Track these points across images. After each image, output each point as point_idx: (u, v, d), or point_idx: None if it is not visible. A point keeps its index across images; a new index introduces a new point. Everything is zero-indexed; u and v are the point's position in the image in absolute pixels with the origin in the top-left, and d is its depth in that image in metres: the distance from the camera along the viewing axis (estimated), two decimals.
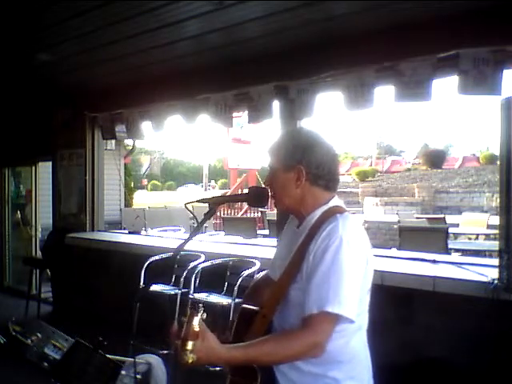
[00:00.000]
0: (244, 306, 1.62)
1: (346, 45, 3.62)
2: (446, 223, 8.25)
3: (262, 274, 1.84)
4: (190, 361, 1.16)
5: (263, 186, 1.57)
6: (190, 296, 3.77)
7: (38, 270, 6.11)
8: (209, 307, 3.21)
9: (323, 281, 1.30)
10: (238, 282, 3.57)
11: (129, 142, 11.55)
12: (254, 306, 1.56)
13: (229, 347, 1.27)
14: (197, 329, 1.16)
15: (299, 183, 1.46)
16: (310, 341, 1.30)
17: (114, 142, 8.11)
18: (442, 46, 3.17)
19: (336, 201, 1.49)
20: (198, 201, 1.59)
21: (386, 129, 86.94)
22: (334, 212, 1.43)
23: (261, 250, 4.35)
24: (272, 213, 9.52)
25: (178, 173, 57.62)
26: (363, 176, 27.30)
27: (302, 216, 1.51)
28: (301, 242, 1.44)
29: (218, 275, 3.98)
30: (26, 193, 7.23)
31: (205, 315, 1.19)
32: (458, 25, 3.16)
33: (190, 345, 1.15)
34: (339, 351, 1.38)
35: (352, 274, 1.32)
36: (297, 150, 1.46)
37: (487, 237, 8.63)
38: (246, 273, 3.65)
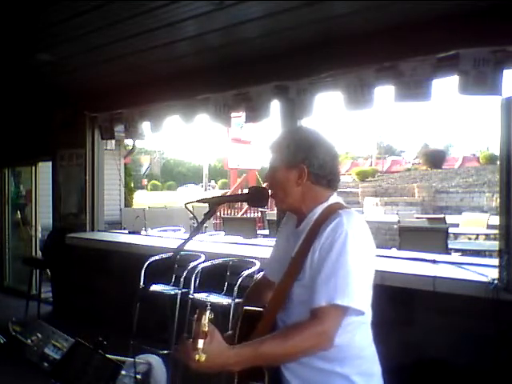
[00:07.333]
0: (246, 307, 1.61)
1: (346, 45, 3.62)
2: (446, 223, 8.25)
3: (261, 274, 1.84)
4: (202, 359, 1.15)
5: (263, 185, 1.58)
6: (190, 296, 3.77)
7: (37, 270, 6.11)
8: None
9: (331, 274, 1.31)
10: (238, 282, 3.56)
11: (129, 142, 11.51)
12: (255, 306, 1.56)
13: (237, 347, 1.28)
14: (206, 329, 1.16)
15: (300, 181, 1.47)
16: (318, 330, 1.29)
17: (113, 141, 8.14)
18: (442, 46, 3.17)
19: (335, 198, 1.51)
20: (198, 201, 1.59)
21: (386, 129, 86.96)
22: (335, 208, 1.44)
23: (261, 249, 4.34)
24: (272, 213, 9.52)
25: (178, 173, 57.60)
26: (363, 176, 27.27)
27: (302, 214, 1.51)
28: (302, 241, 1.45)
29: (218, 275, 3.97)
30: (26, 193, 7.23)
31: (212, 315, 1.19)
32: (458, 25, 3.15)
33: (200, 343, 1.15)
34: (346, 346, 1.38)
35: (359, 267, 1.33)
36: (300, 150, 1.47)
37: (487, 237, 8.62)
38: (245, 273, 3.64)
